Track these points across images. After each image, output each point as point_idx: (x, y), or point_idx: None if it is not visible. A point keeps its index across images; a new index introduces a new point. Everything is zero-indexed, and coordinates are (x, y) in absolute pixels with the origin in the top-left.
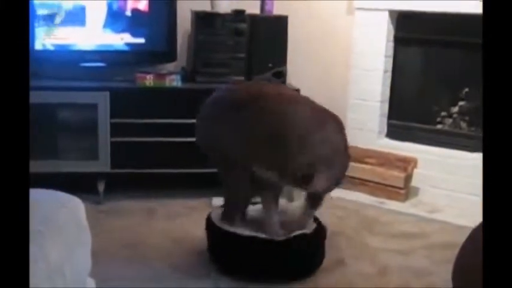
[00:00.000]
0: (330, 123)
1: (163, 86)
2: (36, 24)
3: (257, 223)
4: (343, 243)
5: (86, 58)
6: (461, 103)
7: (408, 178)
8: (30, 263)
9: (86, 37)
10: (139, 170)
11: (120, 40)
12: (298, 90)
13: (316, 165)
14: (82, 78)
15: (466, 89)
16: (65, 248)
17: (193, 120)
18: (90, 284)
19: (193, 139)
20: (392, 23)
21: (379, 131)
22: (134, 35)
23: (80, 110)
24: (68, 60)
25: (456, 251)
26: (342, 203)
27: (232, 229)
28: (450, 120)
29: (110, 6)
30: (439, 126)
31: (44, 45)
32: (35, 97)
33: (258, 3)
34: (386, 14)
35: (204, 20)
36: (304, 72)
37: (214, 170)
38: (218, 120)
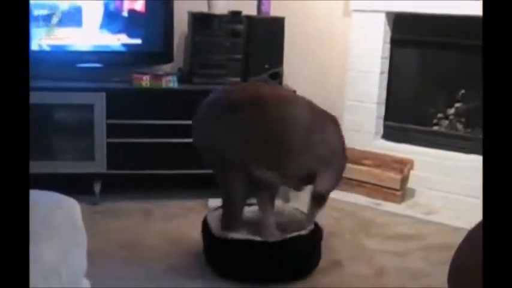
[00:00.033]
0: (328, 123)
1: (159, 87)
2: (32, 25)
3: (253, 225)
4: (340, 244)
5: (83, 59)
6: (457, 105)
7: (404, 180)
8: None
9: (83, 38)
10: (135, 171)
11: (117, 41)
12: (294, 92)
13: (316, 165)
14: (78, 78)
15: (463, 91)
16: (61, 248)
17: (190, 121)
18: (86, 285)
19: (190, 140)
20: (389, 24)
21: (376, 132)
22: (131, 35)
23: (76, 110)
24: (64, 61)
25: (452, 252)
26: (339, 204)
27: (229, 235)
28: (446, 122)
29: (106, 7)
30: (435, 128)
31: (40, 45)
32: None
33: (255, 4)
34: (383, 15)
35: (200, 21)
36: (300, 73)
37: (211, 171)
38: (215, 121)
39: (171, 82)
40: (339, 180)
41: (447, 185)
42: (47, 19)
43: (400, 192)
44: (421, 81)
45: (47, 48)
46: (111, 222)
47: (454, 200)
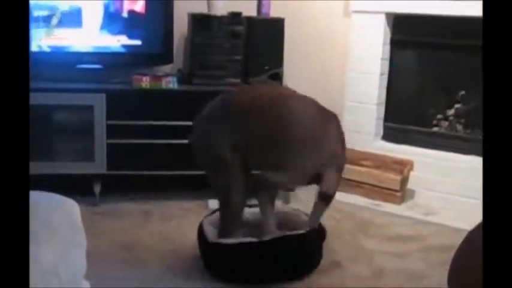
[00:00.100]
0: (332, 122)
1: (159, 88)
2: (32, 26)
3: (250, 226)
4: (339, 245)
5: (82, 60)
6: (457, 106)
7: (404, 180)
8: None
9: (82, 39)
10: (135, 172)
11: (117, 42)
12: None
13: (320, 164)
14: (78, 79)
15: (462, 92)
16: (60, 249)
17: (190, 122)
18: (85, 286)
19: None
20: (388, 25)
21: (376, 133)
22: (131, 36)
23: (76, 111)
24: (64, 62)
25: (452, 253)
26: (338, 205)
27: (225, 241)
28: (446, 123)
29: (106, 8)
30: (435, 129)
31: (40, 46)
32: (31, 99)
33: (255, 5)
34: (383, 16)
35: (200, 22)
36: (300, 74)
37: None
38: (218, 121)
39: (170, 83)
40: (340, 179)
41: (447, 186)
42: (46, 20)
43: (400, 193)
44: (420, 82)
45: (47, 49)
46: (110, 223)
47: (453, 201)
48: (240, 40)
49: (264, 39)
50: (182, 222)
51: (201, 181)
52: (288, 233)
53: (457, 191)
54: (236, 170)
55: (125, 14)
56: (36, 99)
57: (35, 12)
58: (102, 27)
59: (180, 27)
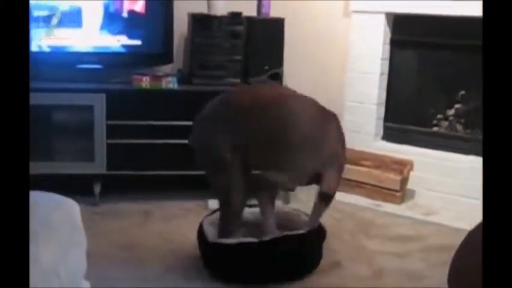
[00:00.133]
0: (331, 122)
1: (159, 88)
2: (32, 26)
3: (250, 226)
4: (339, 245)
5: (82, 60)
6: (457, 106)
7: (404, 181)
8: None
9: (82, 39)
10: (135, 172)
11: (117, 42)
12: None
13: (321, 164)
14: (78, 79)
15: (462, 92)
16: (60, 249)
17: (190, 122)
18: (85, 286)
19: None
20: (388, 25)
21: (376, 133)
22: (131, 36)
23: (76, 111)
24: (64, 62)
25: (452, 253)
26: (338, 205)
27: (225, 241)
28: (446, 123)
29: (106, 8)
30: (435, 129)
31: (40, 46)
32: (31, 99)
33: (255, 5)
34: (383, 16)
35: (200, 22)
36: (300, 74)
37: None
38: (218, 121)
39: (170, 83)
40: (340, 179)
41: (447, 186)
42: (46, 20)
43: (400, 193)
44: (420, 82)
45: (47, 49)
46: (110, 223)
47: (453, 201)
48: (240, 40)
49: (264, 39)
50: (182, 222)
51: (201, 181)
52: (288, 233)
53: (457, 191)
54: (236, 170)
55: (124, 14)
56: (36, 99)
57: (35, 12)
58: (102, 27)
59: (180, 27)
